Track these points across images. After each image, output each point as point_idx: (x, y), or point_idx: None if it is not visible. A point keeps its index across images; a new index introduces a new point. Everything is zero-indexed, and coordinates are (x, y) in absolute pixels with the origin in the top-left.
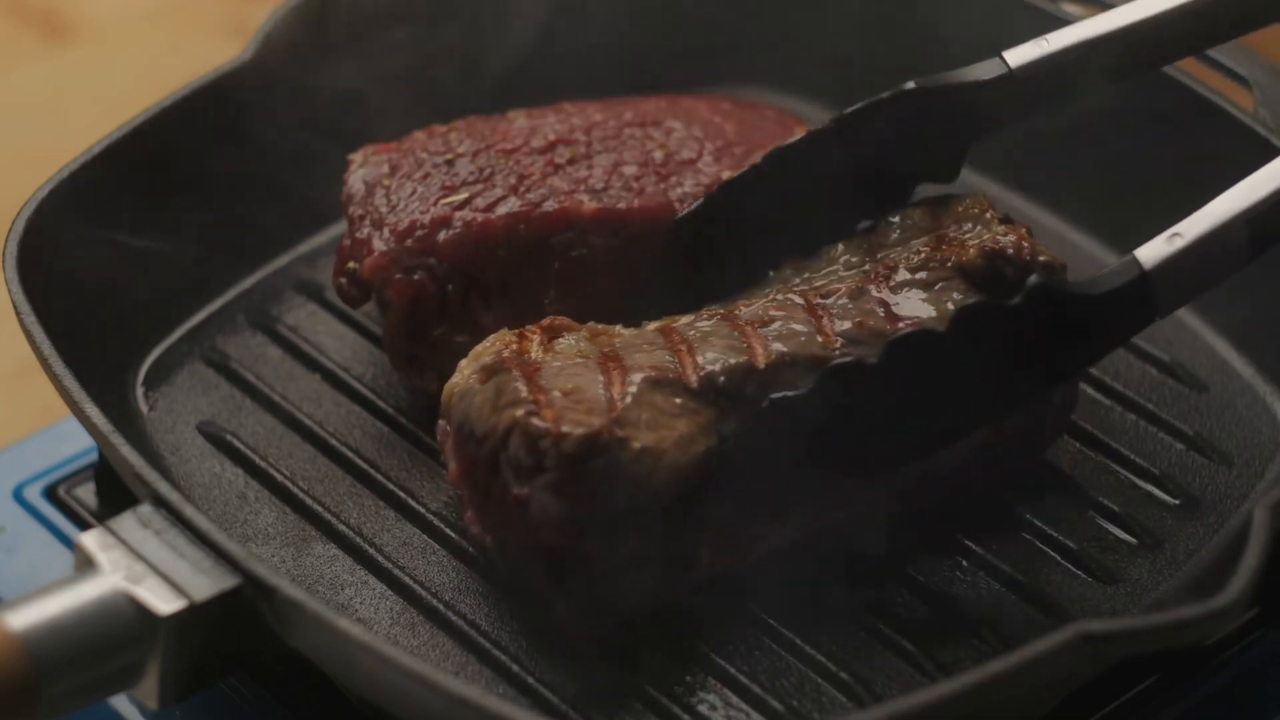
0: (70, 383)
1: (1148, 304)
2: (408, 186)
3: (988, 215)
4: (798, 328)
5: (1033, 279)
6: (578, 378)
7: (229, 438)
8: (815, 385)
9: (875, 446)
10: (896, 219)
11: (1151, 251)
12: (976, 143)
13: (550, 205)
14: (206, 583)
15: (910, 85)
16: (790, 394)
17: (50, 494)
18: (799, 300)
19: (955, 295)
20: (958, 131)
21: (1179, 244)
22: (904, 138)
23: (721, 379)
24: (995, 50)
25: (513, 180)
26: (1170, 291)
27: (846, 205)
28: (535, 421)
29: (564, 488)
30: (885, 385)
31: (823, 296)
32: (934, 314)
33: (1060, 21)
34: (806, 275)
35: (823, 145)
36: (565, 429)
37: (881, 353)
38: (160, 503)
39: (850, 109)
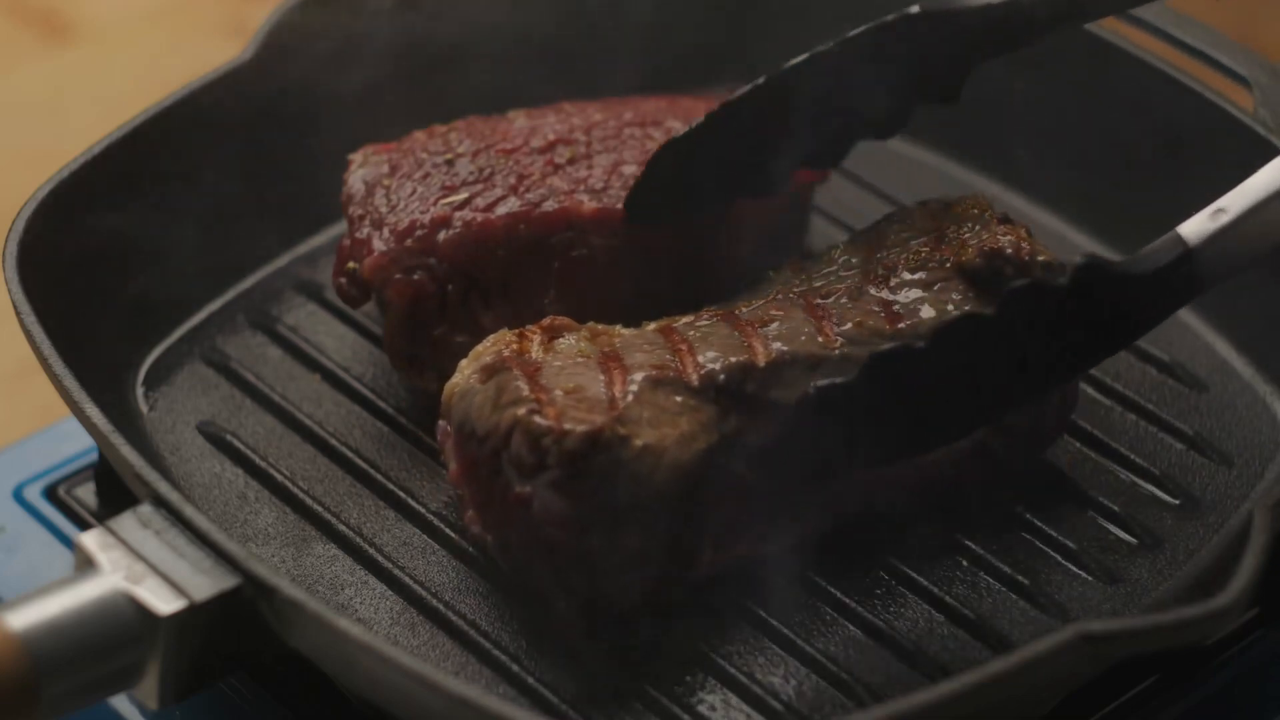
0: (70, 383)
1: (1191, 280)
2: (408, 186)
3: (987, 215)
4: (797, 327)
5: (1079, 258)
6: (579, 377)
7: (229, 438)
8: (862, 371)
9: (916, 430)
10: (896, 219)
11: (1195, 228)
12: (980, 64)
13: (550, 205)
14: (206, 583)
15: (914, 9)
16: (837, 380)
17: (50, 494)
18: (798, 301)
19: (955, 295)
20: (962, 55)
21: (1223, 220)
22: (908, 60)
23: (722, 377)
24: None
25: (513, 180)
26: (1213, 267)
27: (849, 126)
28: (537, 419)
29: (566, 485)
30: (932, 369)
31: (822, 297)
32: (934, 314)
33: None
34: (806, 276)
35: (825, 65)
36: (567, 426)
37: (929, 337)
38: (160, 503)
39: (854, 32)
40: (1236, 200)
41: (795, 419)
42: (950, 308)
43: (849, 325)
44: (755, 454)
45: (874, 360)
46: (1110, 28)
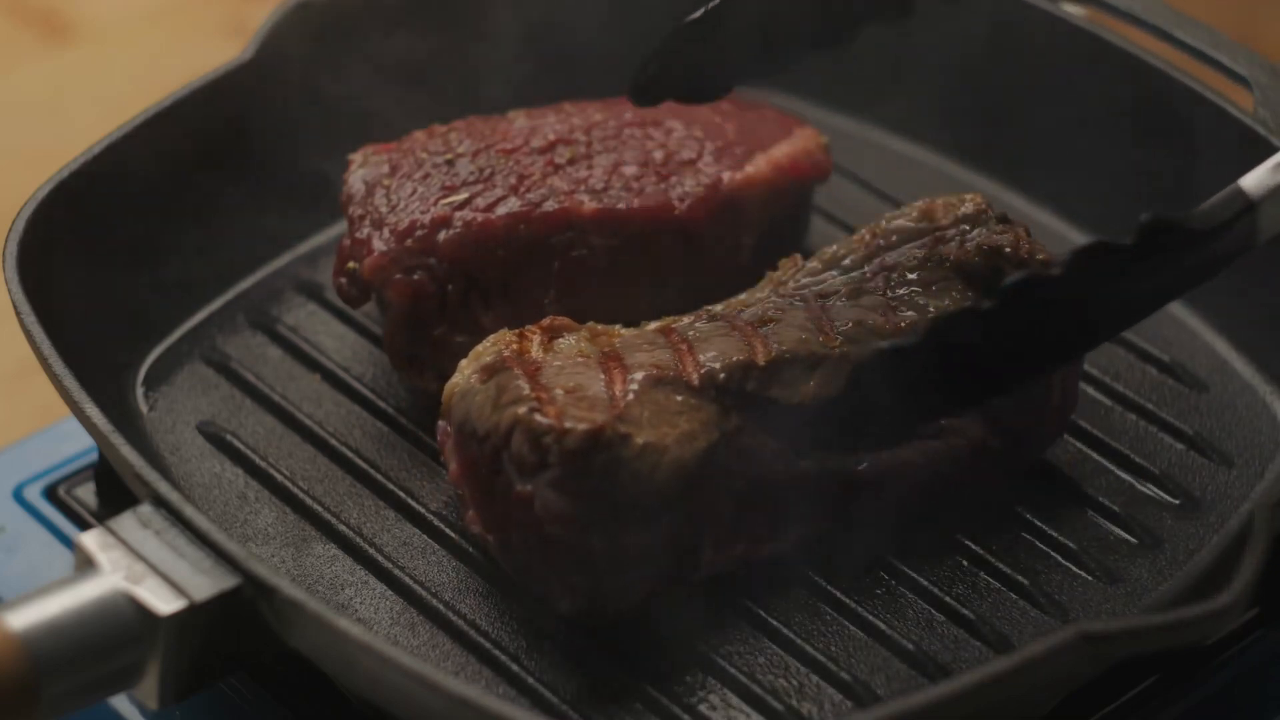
0: (70, 383)
1: (1251, 232)
2: (408, 186)
3: (986, 215)
4: (797, 327)
5: (1145, 216)
6: (579, 376)
7: (229, 438)
8: (926, 334)
9: (976, 386)
10: (895, 219)
11: (1257, 180)
12: None
13: (550, 205)
14: (206, 583)
15: None
16: (902, 343)
17: (50, 494)
18: (798, 301)
19: (954, 294)
20: None
21: None
22: None
23: (722, 376)
24: None
25: (513, 180)
26: (1271, 219)
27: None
28: (538, 418)
29: (567, 483)
30: (999, 330)
31: (822, 296)
32: (933, 313)
33: (1053, 19)
34: (806, 276)
35: None
36: (568, 425)
37: (996, 298)
38: (160, 503)
39: None
40: None
41: (858, 379)
42: (949, 305)
43: (849, 324)
44: (792, 425)
45: (938, 324)
46: (1110, 27)
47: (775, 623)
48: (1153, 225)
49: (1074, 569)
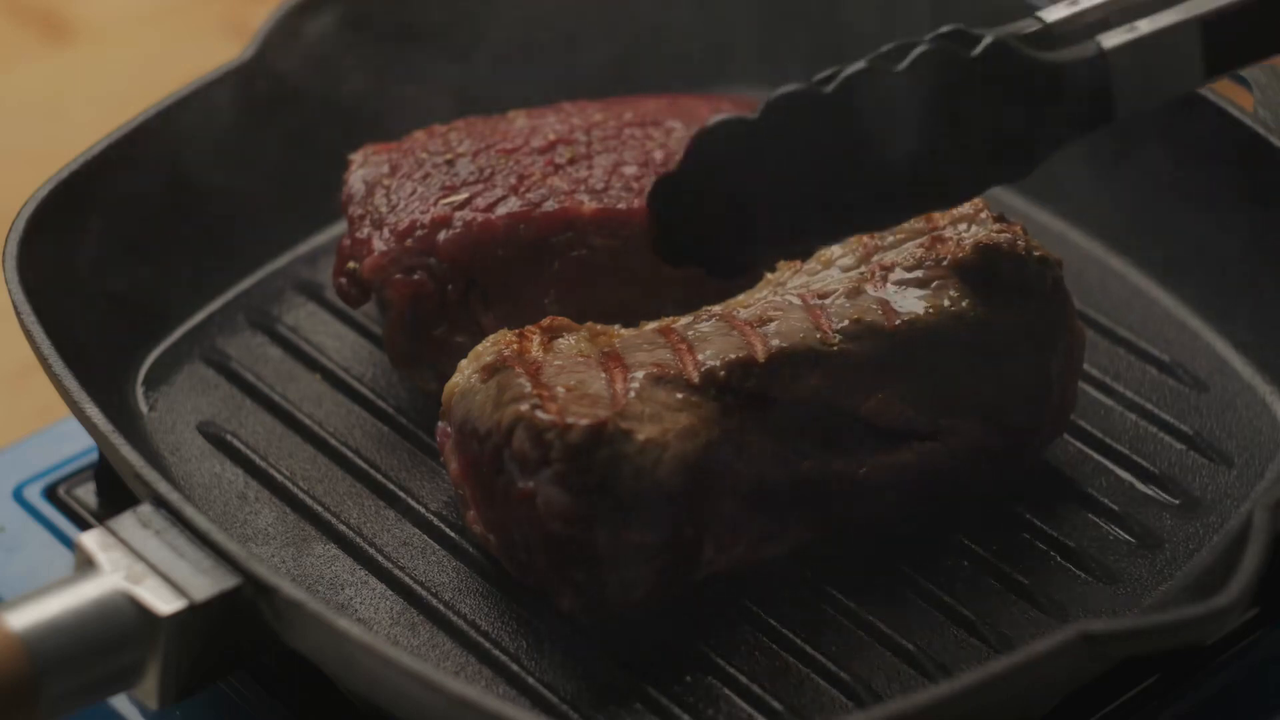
0: (70, 383)
1: (1105, 90)
2: (408, 186)
3: (983, 214)
4: (796, 325)
5: (988, 37)
6: (580, 375)
7: (229, 438)
8: (765, 108)
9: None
10: None
11: (1111, 37)
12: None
13: (550, 205)
14: (206, 583)
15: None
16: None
17: (50, 494)
18: (796, 300)
19: (951, 293)
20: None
21: (1137, 33)
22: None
23: (722, 374)
24: None
25: (513, 180)
26: (1127, 84)
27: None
28: (540, 415)
29: (569, 479)
30: (839, 117)
31: (820, 296)
32: (931, 312)
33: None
34: (804, 276)
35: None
36: (570, 421)
37: (838, 85)
38: (160, 503)
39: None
40: (1149, 23)
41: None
42: (947, 304)
43: (847, 323)
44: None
45: (777, 99)
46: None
47: (775, 623)
48: (994, 43)
49: (1074, 569)
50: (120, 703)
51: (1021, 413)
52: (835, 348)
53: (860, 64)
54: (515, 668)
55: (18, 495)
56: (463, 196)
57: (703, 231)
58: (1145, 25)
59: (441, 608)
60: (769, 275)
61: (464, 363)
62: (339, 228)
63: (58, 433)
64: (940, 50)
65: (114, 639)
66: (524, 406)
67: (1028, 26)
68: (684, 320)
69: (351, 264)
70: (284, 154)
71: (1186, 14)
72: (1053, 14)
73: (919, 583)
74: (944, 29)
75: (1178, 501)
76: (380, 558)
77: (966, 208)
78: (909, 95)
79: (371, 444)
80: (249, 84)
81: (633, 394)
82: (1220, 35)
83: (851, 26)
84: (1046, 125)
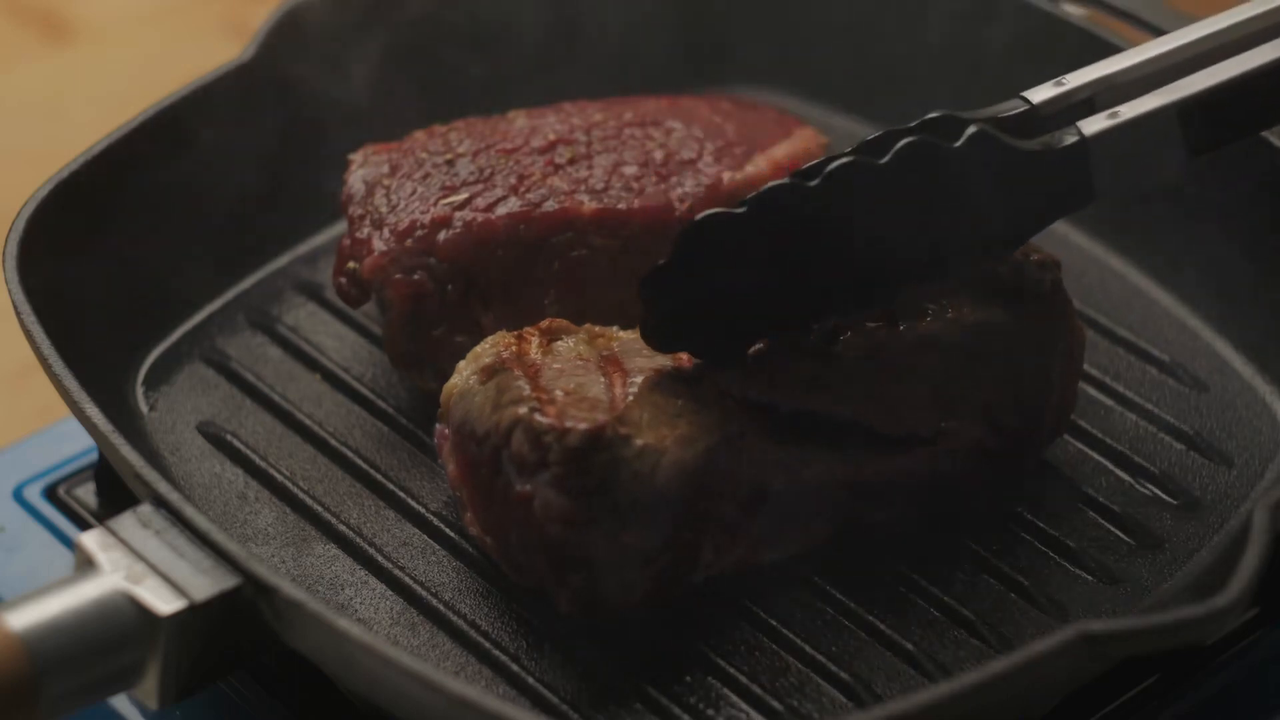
0: (70, 383)
1: (1084, 175)
2: (408, 186)
3: None
4: None
5: (972, 127)
6: (579, 378)
7: (229, 438)
8: (750, 201)
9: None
10: None
11: (1092, 123)
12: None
13: (550, 205)
14: (206, 583)
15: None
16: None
17: (50, 494)
18: None
19: (951, 296)
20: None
21: (1118, 119)
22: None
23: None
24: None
25: (513, 180)
26: (1107, 167)
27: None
28: (539, 418)
29: (567, 482)
30: (823, 212)
31: None
32: (931, 316)
33: (1053, 19)
34: None
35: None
36: (569, 424)
37: (822, 179)
38: (160, 503)
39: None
40: (1130, 108)
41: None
42: (947, 308)
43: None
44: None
45: (764, 193)
46: (1103, 23)
47: (775, 623)
48: (977, 134)
49: (1074, 569)
50: (120, 703)
51: (1022, 414)
52: (836, 352)
53: (845, 158)
54: (515, 668)
55: (18, 495)
56: (463, 196)
57: (694, 322)
58: (1126, 110)
59: (441, 608)
60: None
61: (462, 364)
62: (339, 228)
63: (58, 433)
64: (923, 143)
65: (114, 639)
66: (523, 409)
67: (1014, 108)
68: None
69: (351, 264)
70: (284, 154)
71: (1167, 98)
72: (1039, 94)
73: (919, 583)
74: (932, 114)
75: (1178, 501)
76: (380, 558)
77: None
78: (893, 187)
79: (371, 444)
80: (249, 84)
81: (631, 398)
82: (1201, 117)
83: (852, 26)
84: (1029, 211)
